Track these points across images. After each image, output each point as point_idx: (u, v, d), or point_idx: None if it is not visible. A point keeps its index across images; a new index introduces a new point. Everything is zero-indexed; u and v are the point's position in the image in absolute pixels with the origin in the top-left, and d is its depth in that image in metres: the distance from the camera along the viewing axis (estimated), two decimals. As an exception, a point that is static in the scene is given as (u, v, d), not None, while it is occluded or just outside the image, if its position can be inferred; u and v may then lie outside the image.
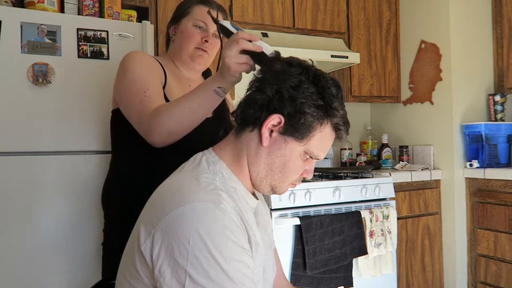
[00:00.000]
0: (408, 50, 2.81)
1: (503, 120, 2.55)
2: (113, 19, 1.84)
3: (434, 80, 2.63)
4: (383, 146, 2.84)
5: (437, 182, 2.57)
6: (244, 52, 0.93)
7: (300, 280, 1.90)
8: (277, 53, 0.91)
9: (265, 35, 2.39)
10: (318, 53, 2.41)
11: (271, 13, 2.45)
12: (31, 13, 1.65)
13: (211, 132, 1.15)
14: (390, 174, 2.37)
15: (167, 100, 1.18)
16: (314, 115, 0.81)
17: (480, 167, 2.42)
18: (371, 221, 2.09)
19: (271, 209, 1.92)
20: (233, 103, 1.18)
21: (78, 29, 1.70)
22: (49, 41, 1.65)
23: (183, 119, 1.03)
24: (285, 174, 0.86)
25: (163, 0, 2.17)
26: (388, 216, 2.16)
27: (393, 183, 2.28)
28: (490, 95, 2.58)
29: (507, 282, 2.27)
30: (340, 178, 2.25)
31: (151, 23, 1.85)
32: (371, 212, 2.11)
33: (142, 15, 2.12)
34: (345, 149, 2.84)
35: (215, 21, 1.04)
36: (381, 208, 2.16)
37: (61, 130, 1.67)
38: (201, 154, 0.91)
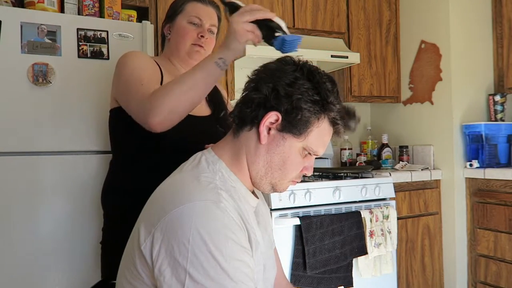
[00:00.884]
0: (408, 50, 2.81)
1: (503, 120, 2.55)
2: (113, 19, 1.84)
3: (434, 80, 2.63)
4: (383, 146, 2.84)
5: (437, 182, 2.57)
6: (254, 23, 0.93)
7: (300, 280, 1.91)
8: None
9: (265, 35, 2.39)
10: (318, 53, 2.41)
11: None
12: (31, 13, 1.65)
13: (210, 132, 1.15)
14: (390, 174, 2.37)
15: None
16: (311, 110, 0.82)
17: (480, 167, 2.42)
18: (371, 221, 2.09)
19: (271, 209, 1.92)
20: (232, 103, 1.18)
21: (78, 29, 1.70)
22: (49, 41, 1.65)
23: (183, 95, 1.00)
24: (285, 171, 0.86)
25: (163, 0, 2.17)
26: (388, 216, 2.16)
27: (393, 183, 2.28)
28: (490, 95, 2.58)
29: (507, 282, 2.27)
30: (340, 178, 2.25)
31: (151, 23, 1.85)
32: (371, 212, 2.11)
33: (142, 15, 2.12)
34: (345, 149, 2.84)
35: (223, 1, 1.02)
36: (381, 208, 2.16)
37: (61, 130, 1.67)
38: (200, 153, 0.91)
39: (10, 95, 1.60)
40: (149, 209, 0.81)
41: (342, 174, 2.31)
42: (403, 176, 2.43)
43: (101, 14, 1.84)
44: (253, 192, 0.94)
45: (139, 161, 1.21)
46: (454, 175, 2.50)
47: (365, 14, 2.74)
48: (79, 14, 1.80)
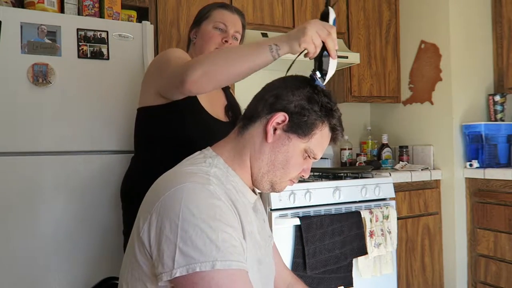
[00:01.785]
0: (408, 50, 2.81)
1: (503, 120, 2.55)
2: (113, 19, 1.84)
3: (434, 80, 2.63)
4: (383, 146, 2.84)
5: (437, 182, 2.57)
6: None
7: (300, 280, 1.90)
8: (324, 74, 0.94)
9: (265, 35, 2.39)
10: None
11: (271, 13, 2.45)
12: (31, 13, 1.65)
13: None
14: (390, 174, 2.37)
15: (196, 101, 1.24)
16: (318, 114, 0.88)
17: (480, 167, 2.42)
18: (371, 221, 2.09)
19: (271, 209, 1.92)
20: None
21: (78, 29, 1.70)
22: (49, 41, 1.65)
23: (225, 62, 0.99)
24: (287, 170, 0.90)
25: (163, 0, 2.17)
26: (388, 216, 2.16)
27: (393, 183, 2.28)
28: (490, 95, 2.59)
29: (507, 282, 2.27)
30: (340, 178, 2.25)
31: (151, 23, 1.85)
32: (371, 212, 2.11)
33: (142, 15, 2.12)
34: (345, 149, 2.84)
35: (327, 3, 1.02)
36: (381, 208, 2.16)
37: (61, 131, 1.67)
38: (199, 151, 0.95)
39: (10, 95, 1.60)
40: (146, 201, 0.84)
41: (342, 174, 2.31)
42: (403, 176, 2.43)
43: (101, 15, 1.84)
44: (253, 191, 0.96)
45: (159, 160, 1.23)
46: (454, 175, 2.50)
47: (365, 14, 2.74)
48: (79, 14, 1.80)
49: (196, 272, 0.72)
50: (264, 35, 2.39)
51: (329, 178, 2.27)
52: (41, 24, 1.64)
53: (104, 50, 1.74)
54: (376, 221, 2.11)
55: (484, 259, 2.40)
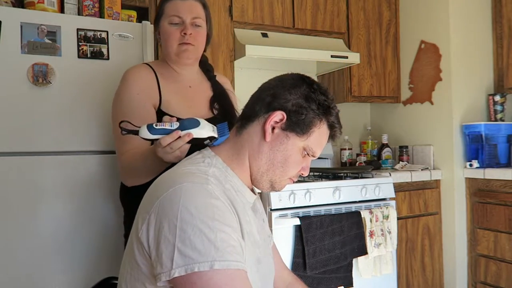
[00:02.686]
0: (408, 50, 2.81)
1: (503, 120, 2.55)
2: (113, 19, 1.84)
3: (434, 80, 2.63)
4: (383, 146, 2.84)
5: (437, 182, 2.57)
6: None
7: (300, 280, 1.90)
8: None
9: (264, 35, 2.39)
10: (318, 53, 2.41)
11: (271, 13, 2.45)
12: (31, 13, 1.65)
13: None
14: (390, 174, 2.37)
15: (167, 114, 1.23)
16: (316, 112, 0.88)
17: (480, 167, 2.42)
18: (371, 221, 2.09)
19: (271, 209, 1.92)
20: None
21: (78, 29, 1.70)
22: (49, 41, 1.65)
23: (140, 174, 1.16)
24: (286, 168, 0.90)
25: (163, 0, 2.17)
26: (388, 216, 2.16)
27: (393, 183, 2.28)
28: (490, 95, 2.58)
29: (507, 282, 2.27)
30: (340, 178, 2.25)
31: (151, 23, 1.84)
32: (371, 212, 2.11)
33: (142, 15, 2.12)
34: (345, 149, 2.84)
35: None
36: (381, 208, 2.16)
37: (61, 131, 1.67)
38: (198, 151, 0.95)
39: (10, 95, 1.60)
40: (144, 201, 0.84)
41: (342, 174, 2.31)
42: (403, 176, 2.43)
43: (101, 15, 1.84)
44: (252, 190, 0.96)
45: None
46: (454, 175, 2.50)
47: (365, 14, 2.74)
48: (79, 14, 1.80)
49: (195, 272, 0.72)
50: (264, 35, 2.39)
51: (329, 178, 2.27)
52: (41, 24, 1.64)
53: (104, 50, 1.74)
54: (376, 221, 2.11)
55: (484, 259, 2.40)
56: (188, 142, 0.95)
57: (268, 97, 0.89)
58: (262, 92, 0.92)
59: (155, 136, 0.95)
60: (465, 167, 2.49)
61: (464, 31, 2.56)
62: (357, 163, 2.79)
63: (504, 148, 2.49)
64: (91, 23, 1.73)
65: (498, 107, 2.55)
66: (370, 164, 2.58)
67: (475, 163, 2.43)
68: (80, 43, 1.70)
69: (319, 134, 0.90)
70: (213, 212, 0.76)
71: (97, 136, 1.73)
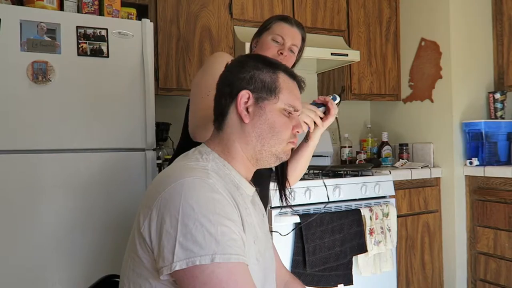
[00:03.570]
0: (408, 48, 2.80)
1: (503, 118, 2.55)
2: (112, 17, 1.84)
3: (434, 78, 2.63)
4: (383, 144, 2.83)
5: (437, 180, 2.57)
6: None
7: (300, 278, 1.89)
8: None
9: (265, 33, 2.38)
10: (318, 51, 2.41)
11: (271, 10, 2.44)
12: (31, 11, 1.64)
13: None
14: (390, 172, 2.37)
15: None
16: (268, 70, 0.92)
17: (480, 165, 2.42)
18: (371, 219, 2.10)
19: (271, 207, 1.92)
20: None
21: (77, 27, 1.69)
22: (49, 39, 1.65)
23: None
24: (278, 134, 0.91)
25: (163, -3, 2.17)
26: (388, 214, 2.16)
27: (393, 181, 2.28)
28: (490, 92, 2.58)
29: (507, 280, 2.27)
30: (340, 176, 2.25)
31: (150, 21, 1.84)
32: (371, 210, 2.11)
33: (142, 13, 2.11)
34: (345, 147, 2.84)
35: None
36: (381, 206, 2.16)
37: (61, 128, 1.67)
38: (194, 148, 0.96)
39: (10, 93, 1.60)
40: (146, 198, 0.85)
41: (342, 172, 2.31)
42: (403, 174, 2.43)
43: (100, 12, 1.83)
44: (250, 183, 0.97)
45: (184, 147, 1.26)
46: (454, 173, 2.50)
47: (365, 12, 2.74)
48: (78, 12, 1.79)
49: (196, 265, 0.72)
50: (264, 32, 2.38)
51: (329, 176, 2.27)
52: (41, 22, 1.63)
53: (104, 48, 1.74)
54: (376, 219, 2.12)
55: (484, 256, 2.40)
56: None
57: (226, 87, 0.92)
58: (220, 88, 0.95)
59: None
60: (465, 164, 2.49)
61: (465, 28, 2.56)
62: (357, 161, 2.79)
63: (504, 146, 2.48)
64: (90, 20, 1.73)
65: (498, 105, 2.54)
66: (370, 162, 2.58)
67: (475, 161, 2.43)
68: (80, 41, 1.70)
69: (287, 88, 0.93)
70: (214, 206, 0.76)
71: (97, 133, 1.73)
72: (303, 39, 1.47)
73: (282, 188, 1.31)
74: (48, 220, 1.64)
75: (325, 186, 2.05)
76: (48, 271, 1.63)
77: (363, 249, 2.06)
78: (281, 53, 1.37)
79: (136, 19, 1.93)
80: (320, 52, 2.41)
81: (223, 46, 2.31)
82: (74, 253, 1.67)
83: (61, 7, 1.76)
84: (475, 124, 2.46)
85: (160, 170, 2.01)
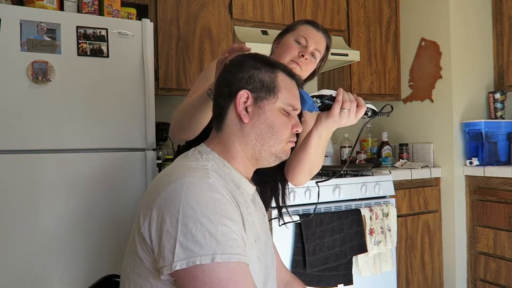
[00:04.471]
0: (408, 48, 2.80)
1: (503, 118, 2.55)
2: (112, 17, 1.84)
3: (434, 77, 2.63)
4: (383, 144, 2.84)
5: (437, 180, 2.57)
6: None
7: (300, 278, 1.89)
8: None
9: (265, 33, 2.39)
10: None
11: (271, 10, 2.44)
12: (31, 11, 1.64)
13: None
14: (390, 172, 2.37)
15: None
16: (267, 70, 0.92)
17: (480, 164, 2.42)
18: (371, 219, 2.10)
19: (271, 207, 1.92)
20: None
21: (77, 27, 1.69)
22: (49, 39, 1.65)
23: (187, 116, 1.16)
24: (277, 134, 0.91)
25: (163, -3, 2.17)
26: (388, 214, 2.16)
27: (393, 181, 2.28)
28: (490, 92, 2.58)
29: (507, 280, 2.27)
30: (340, 176, 2.25)
31: (150, 21, 1.84)
32: (371, 210, 2.11)
33: (142, 12, 2.11)
34: (345, 147, 2.84)
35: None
36: (381, 206, 2.16)
37: (61, 128, 1.67)
38: (193, 148, 0.96)
39: (10, 93, 1.60)
40: (145, 198, 0.85)
41: (342, 172, 2.31)
42: (403, 174, 2.43)
43: (100, 12, 1.83)
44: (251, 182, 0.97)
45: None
46: (454, 173, 2.50)
47: (365, 12, 2.74)
48: (78, 12, 1.79)
49: (196, 265, 0.72)
50: (264, 32, 2.38)
51: (328, 176, 2.27)
52: (41, 22, 1.63)
53: (104, 48, 1.74)
54: (376, 219, 2.12)
55: (484, 256, 2.40)
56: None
57: (225, 88, 0.92)
58: (218, 88, 0.95)
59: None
60: (465, 164, 2.49)
61: (465, 28, 2.56)
62: (357, 161, 2.79)
63: (504, 145, 2.49)
64: (90, 20, 1.73)
65: (498, 105, 2.54)
66: (370, 162, 2.58)
67: (475, 161, 2.43)
68: (80, 41, 1.70)
69: (286, 87, 0.92)
70: (215, 205, 0.76)
71: (97, 133, 1.72)
72: (328, 48, 1.39)
73: (281, 188, 1.30)
74: (48, 220, 1.64)
75: (325, 186, 2.05)
76: (48, 271, 1.63)
77: (363, 249, 2.06)
78: (302, 55, 1.29)
79: (136, 19, 1.93)
80: (320, 52, 2.40)
81: (223, 46, 2.31)
82: (74, 253, 1.67)
83: (61, 7, 1.76)
84: (475, 124, 2.46)
85: (160, 170, 2.01)
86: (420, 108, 2.74)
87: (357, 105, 1.12)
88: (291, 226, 1.93)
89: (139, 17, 1.95)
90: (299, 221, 1.91)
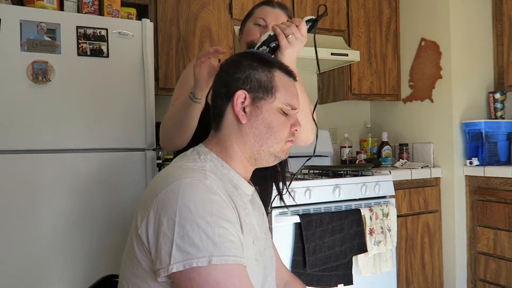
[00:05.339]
0: (408, 48, 2.80)
1: (503, 118, 2.55)
2: (112, 17, 1.84)
3: (434, 77, 2.63)
4: (383, 144, 2.83)
5: (437, 180, 2.57)
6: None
7: (300, 278, 1.89)
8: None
9: (265, 32, 2.38)
10: (318, 51, 2.40)
11: (271, 10, 2.44)
12: (31, 10, 1.64)
13: None
14: (390, 172, 2.37)
15: None
16: (264, 69, 0.91)
17: (480, 165, 2.42)
18: (371, 219, 2.10)
19: (271, 207, 1.92)
20: None
21: (77, 27, 1.69)
22: (49, 39, 1.65)
23: (174, 123, 1.20)
24: (275, 134, 0.91)
25: (163, -3, 2.17)
26: (388, 214, 2.16)
27: (393, 181, 2.28)
28: (490, 92, 2.58)
29: (507, 280, 2.27)
30: (340, 176, 2.25)
31: (150, 21, 1.84)
32: (371, 210, 2.11)
33: (142, 12, 2.11)
34: (345, 147, 2.84)
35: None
36: (381, 206, 2.16)
37: (61, 128, 1.67)
38: (192, 148, 0.96)
39: (10, 93, 1.60)
40: (143, 199, 0.85)
41: (342, 172, 2.31)
42: (403, 174, 2.43)
43: (100, 12, 1.83)
44: (249, 182, 0.97)
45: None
46: (454, 173, 2.50)
47: (365, 12, 2.74)
48: (78, 12, 1.79)
49: (193, 267, 0.72)
50: (264, 32, 2.38)
51: (329, 176, 2.27)
52: (41, 22, 1.63)
53: (104, 48, 1.74)
54: (376, 219, 2.12)
55: (484, 256, 2.40)
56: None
57: (223, 88, 0.92)
58: (216, 89, 0.95)
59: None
60: (465, 164, 2.49)
61: (465, 28, 2.56)
62: (357, 161, 2.79)
63: (504, 146, 2.48)
64: (90, 20, 1.73)
65: (498, 105, 2.54)
66: (370, 162, 2.58)
67: (475, 161, 2.43)
68: (80, 41, 1.70)
69: (283, 86, 0.91)
70: (212, 207, 0.76)
71: (97, 133, 1.72)
72: (290, 18, 1.37)
73: (280, 186, 1.30)
74: (48, 220, 1.64)
75: (325, 186, 2.05)
76: (48, 271, 1.63)
77: (363, 249, 2.06)
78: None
79: (136, 19, 1.93)
80: (320, 52, 2.38)
81: (223, 46, 2.31)
82: (74, 253, 1.67)
83: (61, 7, 1.76)
84: (475, 124, 2.46)
85: (160, 170, 2.01)
86: (420, 108, 2.74)
87: (296, 25, 1.11)
88: (291, 226, 1.93)
89: (139, 17, 1.95)
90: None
